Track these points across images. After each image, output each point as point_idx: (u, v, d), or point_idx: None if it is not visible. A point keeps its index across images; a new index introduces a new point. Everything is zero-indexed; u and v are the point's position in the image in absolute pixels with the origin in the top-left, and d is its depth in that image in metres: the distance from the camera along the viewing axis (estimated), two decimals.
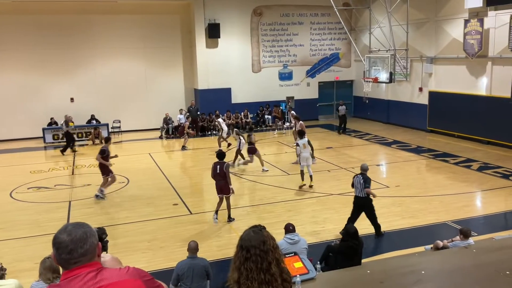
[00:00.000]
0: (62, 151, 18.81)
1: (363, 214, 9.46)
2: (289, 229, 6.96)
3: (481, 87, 18.18)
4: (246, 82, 24.21)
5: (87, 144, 20.65)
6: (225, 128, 19.00)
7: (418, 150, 17.62)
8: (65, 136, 19.39)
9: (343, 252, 7.14)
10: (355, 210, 9.47)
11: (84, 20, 22.29)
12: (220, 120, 19.66)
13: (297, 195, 12.57)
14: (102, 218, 11.02)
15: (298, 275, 4.58)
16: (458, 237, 7.28)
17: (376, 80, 19.73)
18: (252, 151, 15.35)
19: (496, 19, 16.99)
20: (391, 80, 18.96)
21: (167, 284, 6.18)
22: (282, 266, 2.64)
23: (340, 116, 21.79)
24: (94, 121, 22.18)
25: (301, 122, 16.48)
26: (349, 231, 7.36)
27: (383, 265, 5.60)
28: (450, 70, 19.74)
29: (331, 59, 25.92)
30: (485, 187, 12.81)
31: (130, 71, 23.24)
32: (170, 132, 22.28)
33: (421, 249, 7.78)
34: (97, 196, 12.56)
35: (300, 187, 13.02)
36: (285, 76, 25.20)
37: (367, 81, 20.29)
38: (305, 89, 25.54)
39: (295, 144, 15.36)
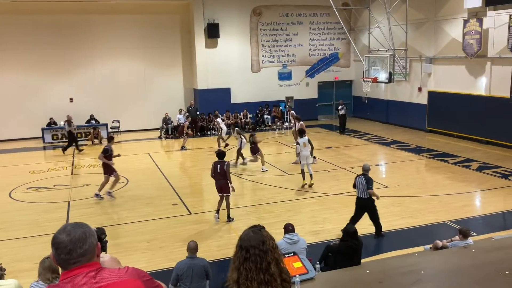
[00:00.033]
0: (64, 149, 18.87)
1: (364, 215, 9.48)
2: (289, 229, 6.97)
3: (480, 87, 18.20)
4: (246, 82, 24.21)
5: (86, 144, 20.62)
6: (224, 128, 19.01)
7: (417, 150, 17.63)
8: (67, 136, 19.43)
9: (343, 252, 7.14)
10: (358, 211, 9.45)
11: (84, 20, 22.28)
12: (218, 120, 19.68)
13: (296, 195, 12.57)
14: (101, 218, 11.01)
15: (297, 275, 4.58)
16: (457, 237, 7.29)
17: (375, 80, 19.74)
18: (255, 150, 15.37)
19: (495, 19, 17.00)
20: (390, 80, 18.98)
21: (167, 284, 6.19)
22: (281, 266, 2.64)
23: (340, 116, 21.82)
24: (93, 121, 22.17)
25: (301, 122, 16.49)
26: (348, 231, 7.36)
27: (382, 265, 5.61)
28: (449, 70, 19.76)
29: (330, 59, 25.93)
30: (484, 187, 12.82)
31: (130, 71, 23.23)
32: (170, 132, 22.29)
33: (420, 249, 7.78)
34: (109, 193, 12.53)
35: (303, 186, 13.05)
36: (285, 76, 25.20)
37: (366, 81, 20.31)
38: (304, 89, 25.54)
39: (295, 143, 15.36)
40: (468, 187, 12.95)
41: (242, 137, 15.99)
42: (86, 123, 21.95)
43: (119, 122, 23.04)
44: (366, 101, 23.09)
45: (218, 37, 23.10)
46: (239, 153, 15.95)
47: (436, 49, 20.24)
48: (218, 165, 10.50)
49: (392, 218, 10.35)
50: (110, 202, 12.36)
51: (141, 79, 23.57)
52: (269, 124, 23.96)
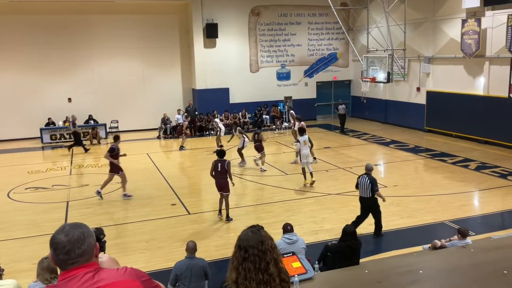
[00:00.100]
0: (69, 147, 19.02)
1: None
2: (287, 229, 6.97)
3: (479, 87, 18.22)
4: (244, 82, 24.20)
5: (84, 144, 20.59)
6: (222, 128, 19.00)
7: (416, 150, 17.65)
8: (73, 136, 19.54)
9: (343, 252, 7.15)
10: (364, 211, 9.46)
11: (82, 20, 22.25)
12: (217, 120, 19.67)
13: (295, 195, 12.58)
14: (100, 218, 11.00)
15: (296, 275, 4.58)
16: (456, 237, 7.30)
17: (374, 80, 19.74)
18: (259, 148, 15.39)
19: (493, 19, 17.02)
20: (389, 80, 18.97)
21: (165, 284, 6.18)
22: (280, 266, 2.64)
23: (339, 116, 21.84)
24: (92, 121, 22.16)
25: (302, 122, 16.52)
26: (347, 231, 7.37)
27: (381, 265, 5.61)
28: (447, 70, 19.78)
29: (329, 59, 25.93)
30: (482, 186, 12.84)
31: (128, 71, 23.21)
32: (168, 132, 22.27)
33: (419, 248, 7.79)
34: (124, 195, 12.54)
35: (304, 185, 13.08)
36: (283, 76, 25.20)
37: (365, 81, 20.30)
38: (303, 89, 25.55)
39: (295, 142, 15.38)
40: (467, 187, 12.97)
41: (244, 136, 15.99)
42: (84, 123, 21.93)
43: (117, 122, 23.01)
44: (365, 101, 23.09)
45: (217, 37, 23.09)
46: (239, 152, 15.93)
47: (435, 49, 20.26)
48: (219, 164, 10.53)
49: (391, 218, 10.35)
50: (108, 203, 12.34)
51: (140, 79, 23.56)
52: (268, 124, 23.96)
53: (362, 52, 21.47)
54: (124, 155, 12.91)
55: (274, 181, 13.92)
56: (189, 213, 11.39)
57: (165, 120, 22.37)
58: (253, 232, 2.67)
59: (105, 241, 2.78)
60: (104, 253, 2.53)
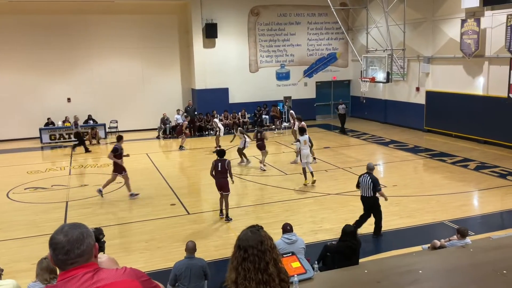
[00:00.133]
0: (73, 147, 19.14)
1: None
2: (287, 229, 6.97)
3: (478, 86, 18.23)
4: (244, 82, 24.20)
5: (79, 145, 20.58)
6: (221, 128, 19.00)
7: (415, 150, 17.65)
8: (76, 136, 19.60)
9: (342, 252, 7.15)
10: (367, 210, 9.47)
11: (81, 20, 22.24)
12: (216, 120, 19.67)
13: (294, 195, 12.57)
14: (99, 219, 10.99)
15: (295, 275, 4.57)
16: (455, 237, 7.30)
17: (373, 80, 19.74)
18: (261, 147, 15.40)
19: (492, 19, 17.03)
20: (388, 80, 18.98)
21: (165, 284, 6.18)
22: (279, 266, 2.64)
23: (339, 115, 21.85)
24: (91, 121, 22.15)
25: (303, 122, 16.53)
26: (346, 231, 7.36)
27: (380, 265, 5.60)
28: (447, 70, 19.79)
29: (328, 59, 25.94)
30: (482, 186, 12.84)
31: (127, 71, 23.20)
32: (168, 132, 22.27)
33: (418, 248, 7.80)
34: (131, 195, 12.54)
35: (309, 184, 13.07)
36: (283, 76, 25.20)
37: (364, 81, 20.30)
38: (302, 89, 25.55)
39: (295, 141, 15.38)
40: (466, 187, 12.97)
41: (246, 136, 15.98)
42: (84, 123, 21.89)
43: (117, 122, 23.00)
44: (364, 101, 23.08)
45: (216, 37, 23.08)
46: (239, 152, 15.93)
47: (434, 49, 20.27)
48: (219, 164, 10.54)
49: (390, 218, 10.35)
50: (108, 203, 12.34)
51: (139, 79, 23.55)
52: (267, 124, 23.95)
53: (362, 52, 21.47)
54: (127, 155, 12.91)
55: (273, 181, 13.92)
56: (189, 213, 11.39)
57: (164, 120, 22.37)
58: (253, 232, 2.67)
59: (104, 241, 2.78)
60: (104, 253, 2.53)
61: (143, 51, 23.34)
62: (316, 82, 25.84)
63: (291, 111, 20.82)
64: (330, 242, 8.04)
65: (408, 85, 22.07)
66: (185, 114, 21.84)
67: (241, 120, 23.36)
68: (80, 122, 21.67)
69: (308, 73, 25.63)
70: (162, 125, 22.35)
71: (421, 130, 21.19)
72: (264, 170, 15.07)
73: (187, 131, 20.14)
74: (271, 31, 24.60)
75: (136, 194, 12.64)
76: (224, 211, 10.78)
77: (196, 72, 23.31)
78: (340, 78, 26.28)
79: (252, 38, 24.30)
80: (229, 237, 9.61)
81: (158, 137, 22.12)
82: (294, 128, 18.92)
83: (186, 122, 20.15)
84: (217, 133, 18.74)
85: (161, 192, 13.20)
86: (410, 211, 10.94)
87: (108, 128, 22.59)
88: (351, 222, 9.10)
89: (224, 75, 23.67)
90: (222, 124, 20.01)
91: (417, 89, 21.50)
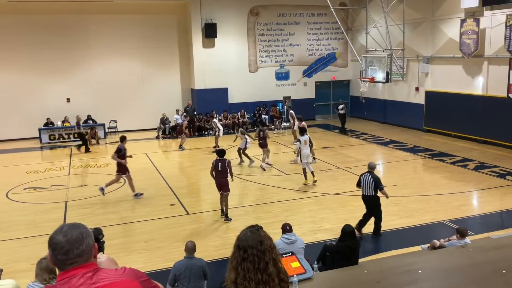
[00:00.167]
0: (78, 147, 19.27)
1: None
2: (286, 229, 6.97)
3: (477, 86, 18.24)
4: (243, 82, 24.20)
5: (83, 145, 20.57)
6: (221, 128, 18.99)
7: (414, 150, 17.66)
8: (79, 137, 19.71)
9: (342, 251, 7.15)
10: (369, 209, 9.48)
11: (81, 20, 22.23)
12: (215, 120, 19.67)
13: (294, 195, 12.57)
14: (98, 219, 10.98)
15: (295, 275, 4.57)
16: (454, 237, 7.30)
17: (372, 80, 19.75)
18: (263, 146, 15.39)
19: (492, 18, 17.04)
20: (387, 80, 18.99)
21: (164, 284, 6.17)
22: (279, 266, 2.64)
23: (339, 115, 21.85)
24: (91, 121, 22.13)
25: (303, 122, 16.53)
26: (346, 231, 7.36)
27: (379, 265, 5.60)
28: (446, 69, 19.79)
29: (327, 59, 25.94)
30: (481, 186, 12.85)
31: (127, 71, 23.19)
32: (167, 132, 22.26)
33: (417, 248, 7.80)
34: (135, 195, 12.56)
35: (310, 184, 13.07)
36: (282, 76, 25.20)
37: (363, 81, 20.30)
38: (302, 89, 25.55)
39: (295, 141, 15.38)
40: (466, 187, 12.98)
41: (247, 137, 15.97)
42: (83, 123, 21.86)
43: (116, 122, 22.99)
44: (364, 101, 23.08)
45: (216, 37, 23.08)
46: (239, 152, 15.91)
47: (433, 49, 20.28)
48: (219, 163, 10.55)
49: (390, 218, 10.35)
50: (107, 203, 12.33)
51: (139, 79, 23.54)
52: (267, 124, 23.95)
53: (361, 52, 21.48)
54: (130, 156, 12.90)
55: (273, 181, 13.92)
56: (188, 213, 11.39)
57: (164, 120, 22.36)
58: (252, 232, 2.67)
59: (103, 241, 2.79)
60: (103, 253, 2.53)
61: (142, 51, 23.33)
62: (316, 82, 25.85)
63: (291, 111, 20.83)
64: (329, 242, 8.05)
65: (407, 85, 22.08)
66: (184, 114, 21.83)
67: (240, 120, 23.36)
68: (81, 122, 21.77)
69: (308, 73, 25.63)
70: (161, 125, 22.35)
71: (420, 130, 21.20)
72: (264, 169, 15.06)
73: (187, 131, 20.14)
74: (271, 31, 24.60)
75: (141, 194, 12.65)
76: (224, 211, 10.79)
77: (195, 72, 23.31)
78: (339, 78, 26.28)
79: (252, 38, 24.30)
80: (228, 237, 9.61)
81: (157, 137, 22.11)
82: (294, 128, 18.92)
83: (186, 122, 20.15)
84: (217, 133, 18.73)
85: (160, 192, 13.20)
86: (410, 211, 10.94)
87: (108, 128, 22.58)
88: (351, 222, 9.09)
89: (223, 75, 23.67)
90: (222, 124, 19.99)
91: (417, 89, 21.50)
